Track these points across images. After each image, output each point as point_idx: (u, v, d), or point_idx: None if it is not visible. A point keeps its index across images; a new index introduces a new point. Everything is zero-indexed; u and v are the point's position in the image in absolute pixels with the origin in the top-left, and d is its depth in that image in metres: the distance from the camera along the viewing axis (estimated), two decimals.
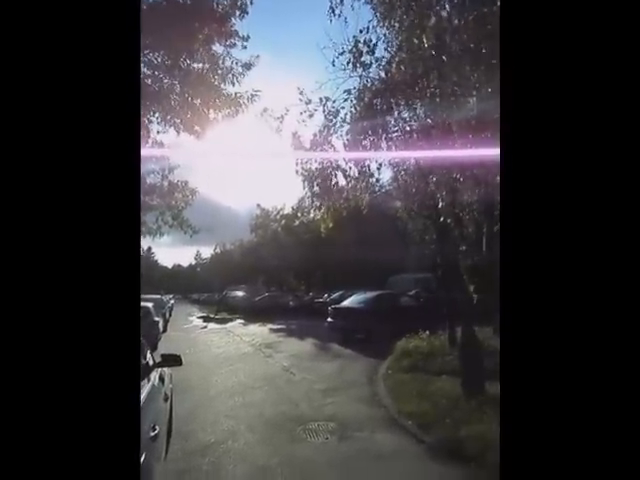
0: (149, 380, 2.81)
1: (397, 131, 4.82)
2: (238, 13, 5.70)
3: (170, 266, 75.48)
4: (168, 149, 8.72)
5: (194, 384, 6.78)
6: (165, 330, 15.25)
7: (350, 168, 5.62)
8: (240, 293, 29.06)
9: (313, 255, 24.56)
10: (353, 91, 4.69)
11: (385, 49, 4.68)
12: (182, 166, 10.18)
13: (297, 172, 5.60)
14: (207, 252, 56.16)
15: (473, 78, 3.18)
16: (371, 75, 4.64)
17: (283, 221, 31.72)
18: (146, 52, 6.00)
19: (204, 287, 49.39)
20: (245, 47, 6.10)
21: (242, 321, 20.29)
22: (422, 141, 4.35)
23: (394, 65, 4.06)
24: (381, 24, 4.31)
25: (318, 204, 6.90)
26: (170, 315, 22.04)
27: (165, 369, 3.70)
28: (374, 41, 4.36)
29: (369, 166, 5.95)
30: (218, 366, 8.66)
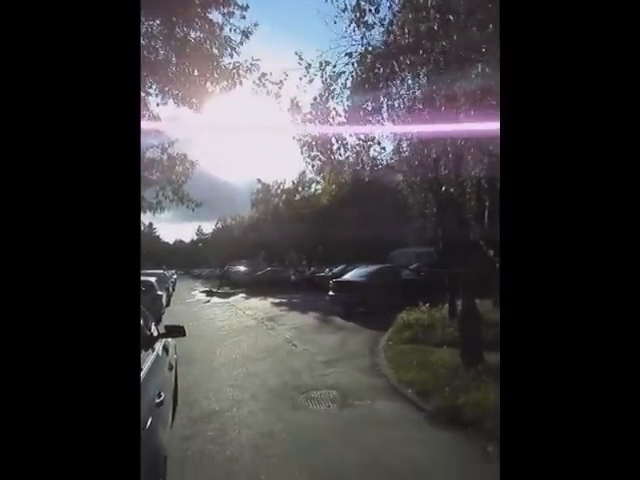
0: (153, 350, 2.86)
1: (400, 98, 4.71)
2: None
3: (172, 242, 75.76)
4: (167, 122, 8.58)
5: (198, 356, 6.91)
6: (169, 304, 15.46)
7: (350, 136, 5.51)
8: (242, 268, 29.30)
9: (314, 230, 24.56)
10: (355, 54, 4.55)
11: (389, 8, 4.52)
12: (181, 140, 10.04)
13: (297, 141, 5.50)
14: (208, 228, 56.30)
15: (480, 41, 3.07)
16: (374, 38, 4.49)
17: (284, 196, 31.58)
18: (142, 21, 5.82)
19: (206, 262, 49.75)
20: (244, 17, 5.91)
21: (244, 295, 20.52)
22: (426, 110, 4.26)
23: (397, 26, 3.92)
24: None
25: (319, 178, 6.81)
26: (173, 290, 22.29)
27: (169, 340, 3.76)
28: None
29: (372, 138, 5.87)
30: (221, 338, 8.81)
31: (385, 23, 4.37)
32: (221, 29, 5.96)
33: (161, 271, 21.50)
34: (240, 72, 5.90)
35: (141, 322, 3.07)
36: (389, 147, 8.32)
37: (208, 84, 5.88)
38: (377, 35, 4.49)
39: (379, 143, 5.84)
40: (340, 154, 5.64)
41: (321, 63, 4.83)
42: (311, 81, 5.04)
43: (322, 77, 4.87)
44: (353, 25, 4.42)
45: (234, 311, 14.05)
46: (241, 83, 5.94)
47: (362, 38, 4.44)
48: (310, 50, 5.84)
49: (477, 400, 3.74)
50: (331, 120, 5.10)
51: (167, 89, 6.50)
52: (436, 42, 3.75)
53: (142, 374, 2.14)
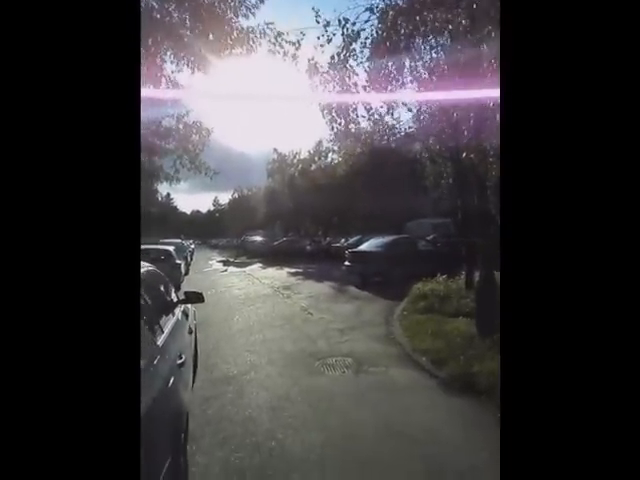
0: (174, 315, 2.94)
1: (422, 60, 4.51)
2: None
3: (189, 212, 76.53)
4: (182, 90, 8.49)
5: (216, 322, 7.10)
6: (187, 273, 15.80)
7: (368, 106, 5.35)
8: (258, 238, 29.57)
9: (330, 200, 24.43)
10: (376, 10, 4.34)
11: None
12: (196, 109, 9.95)
13: (316, 104, 5.34)
14: (225, 198, 56.65)
15: None
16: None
17: (300, 166, 31.32)
18: None
19: (223, 232, 50.33)
20: None
21: (261, 265, 20.79)
22: (448, 73, 4.08)
23: None
24: None
25: (335, 147, 6.71)
26: (191, 259, 22.72)
27: (189, 306, 3.86)
28: None
29: (391, 105, 5.69)
30: (239, 306, 9.01)
31: None
32: None
33: (179, 240, 21.89)
34: (256, 36, 5.74)
35: (162, 288, 3.15)
36: (409, 114, 8.10)
37: (224, 48, 5.74)
38: None
39: (405, 104, 5.63)
40: (358, 121, 5.48)
41: (340, 20, 4.63)
42: (329, 40, 4.85)
43: (342, 33, 4.66)
44: None
45: (251, 280, 14.29)
46: (257, 46, 5.77)
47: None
48: (328, 9, 5.59)
49: (492, 369, 3.76)
50: (349, 82, 4.93)
51: (182, 54, 6.39)
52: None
53: (164, 337, 2.20)
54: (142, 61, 6.24)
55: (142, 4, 5.87)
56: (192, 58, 6.39)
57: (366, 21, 4.50)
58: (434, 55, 4.53)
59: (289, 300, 9.60)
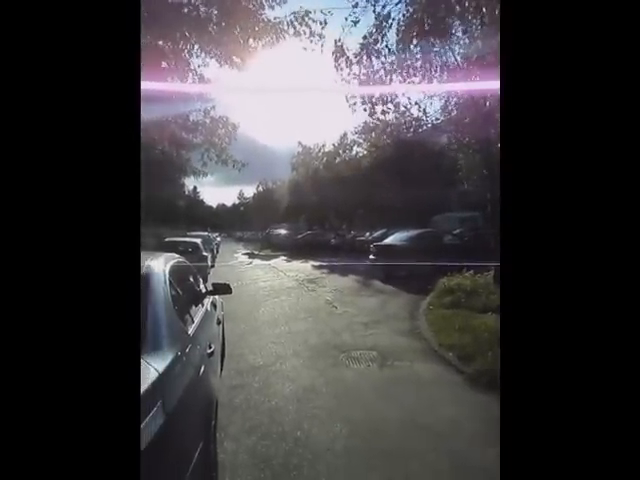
0: (203, 305, 3.00)
1: (451, 51, 4.39)
2: None
3: (215, 205, 77.72)
4: (209, 85, 8.59)
5: (242, 314, 7.22)
6: (213, 265, 16.08)
7: (396, 96, 5.28)
8: (283, 231, 29.77)
9: (355, 193, 24.31)
10: None
11: None
12: (223, 102, 10.06)
13: (343, 83, 5.28)
14: (249, 191, 57.18)
15: None
16: None
17: (325, 159, 31.28)
18: None
19: (248, 225, 50.94)
20: None
21: (285, 258, 20.96)
22: (479, 62, 3.97)
23: None
24: None
25: (360, 140, 6.68)
26: (217, 252, 23.12)
27: (216, 297, 3.93)
28: None
29: (419, 96, 5.58)
30: (264, 298, 9.12)
31: None
32: None
33: (206, 233, 22.31)
34: (282, 27, 5.73)
35: (191, 279, 3.22)
36: (436, 105, 7.96)
37: (250, 40, 5.77)
38: None
39: (432, 96, 5.53)
40: (384, 110, 5.42)
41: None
42: (356, 23, 4.79)
43: (374, 11, 4.56)
44: None
45: (276, 273, 14.42)
46: (283, 38, 5.77)
47: None
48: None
49: None
50: (376, 67, 4.85)
51: (209, 48, 6.46)
52: None
53: (194, 327, 2.26)
54: (169, 56, 6.36)
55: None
56: (219, 52, 6.45)
57: (397, 3, 4.41)
58: (466, 42, 4.39)
59: (314, 293, 9.64)
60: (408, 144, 16.19)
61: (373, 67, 5.20)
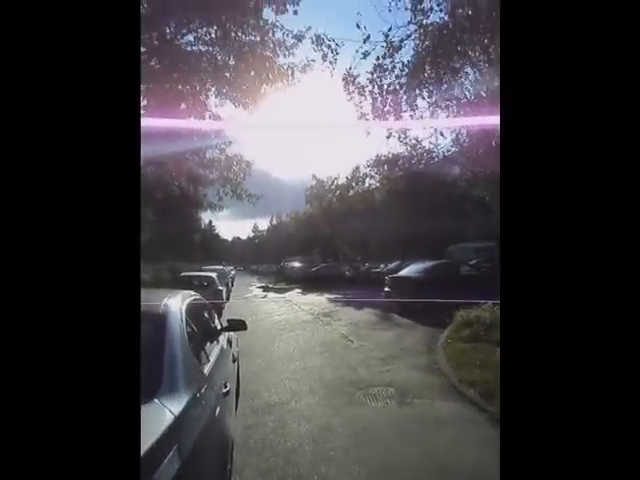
0: (218, 342, 3.00)
1: (460, 86, 4.52)
2: None
3: (230, 239, 78.64)
4: (225, 123, 8.92)
5: (257, 349, 7.15)
6: (228, 299, 16.10)
7: (403, 133, 5.41)
8: (297, 264, 29.81)
9: (369, 225, 24.39)
10: (418, 27, 4.43)
11: None
12: (238, 139, 10.41)
13: (355, 132, 5.51)
14: (264, 224, 57.91)
15: None
16: (430, 22, 4.34)
17: (338, 191, 31.65)
18: (200, 29, 6.10)
19: (262, 258, 51.22)
20: (296, 12, 5.97)
21: (300, 291, 20.86)
22: (488, 100, 4.06)
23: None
24: None
25: (374, 172, 6.88)
26: (232, 285, 23.21)
27: (232, 333, 3.92)
28: None
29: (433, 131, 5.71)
30: (279, 332, 9.03)
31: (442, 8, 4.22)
32: (274, 32, 6.08)
33: (221, 267, 22.48)
34: (295, 73, 6.00)
35: (207, 316, 3.24)
36: (447, 137, 8.08)
37: (264, 85, 6.04)
38: (435, 18, 4.34)
39: (441, 133, 5.68)
40: (394, 147, 5.57)
41: (381, 33, 4.77)
42: (367, 54, 5.00)
43: (384, 46, 4.77)
44: (409, 13, 4.32)
45: (290, 306, 14.34)
46: (297, 81, 6.04)
47: (419, 26, 4.31)
48: (369, 25, 5.79)
49: None
50: (385, 100, 5.02)
51: (225, 91, 6.77)
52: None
53: (210, 365, 2.25)
54: (188, 98, 6.67)
55: (189, 48, 6.34)
56: (234, 94, 6.75)
57: (408, 36, 4.60)
58: (475, 77, 4.52)
59: (329, 327, 9.53)
60: (420, 176, 16.31)
61: (384, 99, 5.35)
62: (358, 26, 5.02)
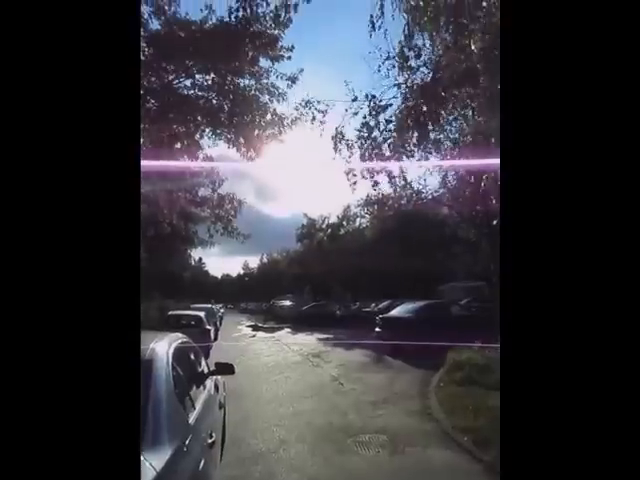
0: (204, 388, 2.90)
1: (445, 132, 4.73)
2: (283, 29, 5.86)
3: (219, 276, 77.77)
4: (217, 162, 9.09)
5: (245, 392, 6.90)
6: (216, 339, 15.71)
7: (397, 176, 5.59)
8: (287, 302, 29.45)
9: (359, 264, 24.43)
10: (402, 87, 4.69)
11: (431, 51, 4.62)
12: (230, 177, 10.56)
13: (343, 172, 5.69)
14: (254, 262, 57.69)
15: None
16: (417, 78, 4.61)
17: (329, 230, 31.90)
18: (197, 75, 6.34)
19: (252, 296, 50.56)
20: (290, 58, 6.25)
21: (290, 330, 20.50)
22: (472, 145, 4.22)
23: (442, 64, 4.00)
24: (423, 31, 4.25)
25: (364, 212, 7.06)
26: (221, 324, 22.69)
27: (219, 377, 3.80)
28: (420, 45, 4.33)
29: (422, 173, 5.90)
30: (267, 374, 8.78)
31: (428, 66, 4.49)
32: (268, 76, 6.35)
33: (210, 305, 22.09)
34: (286, 123, 6.23)
35: (192, 357, 3.15)
36: (436, 179, 8.32)
37: (257, 130, 6.22)
38: (421, 75, 4.61)
39: (431, 173, 5.89)
40: (383, 187, 5.75)
41: (367, 95, 5.02)
42: (356, 114, 5.23)
43: (369, 106, 5.03)
44: (396, 70, 4.59)
45: (280, 346, 14.03)
46: (289, 128, 6.24)
47: (406, 81, 4.56)
48: (357, 85, 6.10)
49: None
50: (375, 151, 5.23)
51: (219, 131, 6.95)
52: (481, 78, 3.77)
53: (196, 414, 2.17)
54: (183, 138, 6.82)
55: (185, 92, 6.56)
56: (229, 136, 6.93)
57: (393, 97, 4.85)
58: (460, 124, 4.74)
59: (319, 369, 9.30)
60: (409, 215, 16.61)
61: (371, 148, 5.54)
62: (346, 84, 5.33)
